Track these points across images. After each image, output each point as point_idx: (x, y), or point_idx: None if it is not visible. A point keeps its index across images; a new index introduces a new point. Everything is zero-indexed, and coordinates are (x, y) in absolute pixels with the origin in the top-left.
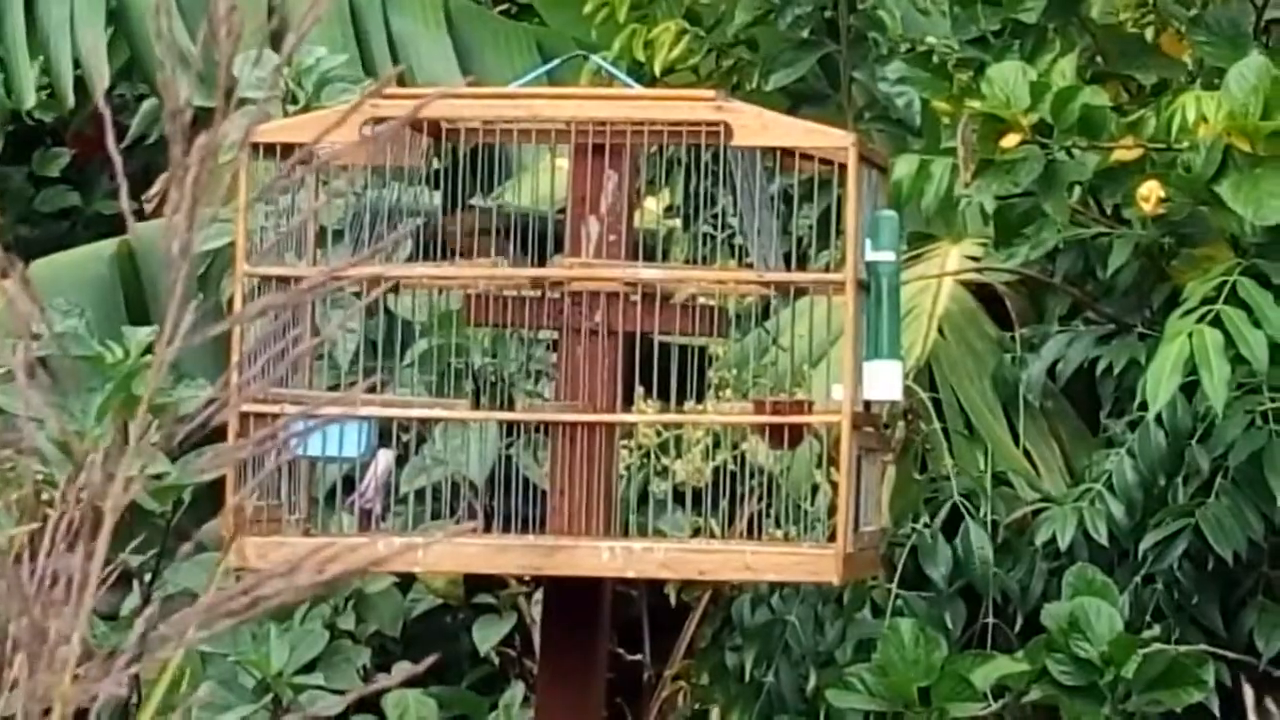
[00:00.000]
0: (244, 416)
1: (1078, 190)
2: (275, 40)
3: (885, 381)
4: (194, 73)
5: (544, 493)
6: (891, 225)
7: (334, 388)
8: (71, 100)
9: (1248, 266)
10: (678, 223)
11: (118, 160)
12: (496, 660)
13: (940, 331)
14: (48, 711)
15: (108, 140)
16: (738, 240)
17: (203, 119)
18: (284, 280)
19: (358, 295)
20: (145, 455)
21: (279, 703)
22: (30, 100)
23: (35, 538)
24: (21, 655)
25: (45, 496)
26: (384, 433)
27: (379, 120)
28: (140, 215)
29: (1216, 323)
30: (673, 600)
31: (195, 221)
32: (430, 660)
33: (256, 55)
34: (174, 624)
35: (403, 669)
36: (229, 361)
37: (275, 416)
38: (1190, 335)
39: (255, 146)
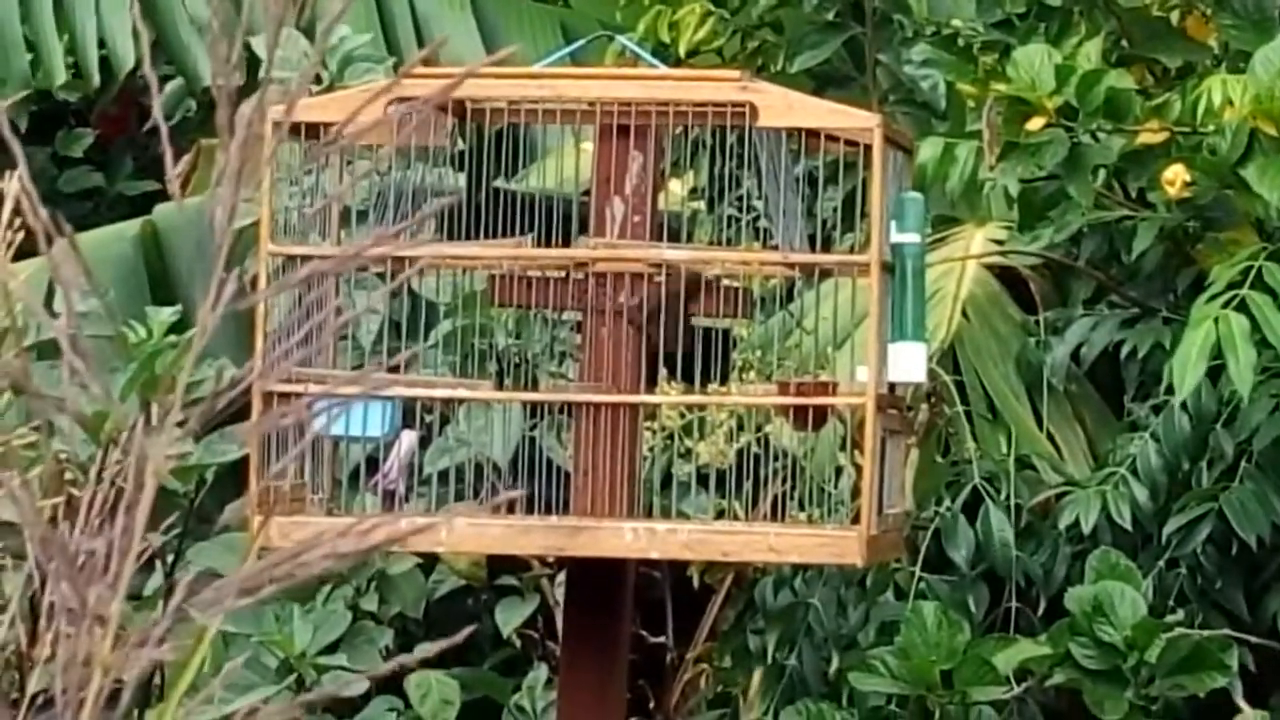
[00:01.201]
0: (267, 396)
1: (1102, 173)
2: (299, 17)
3: (909, 363)
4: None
5: (568, 474)
6: (917, 207)
7: (358, 368)
8: (97, 79)
9: (1273, 250)
10: (702, 204)
11: (164, 131)
12: (519, 642)
13: (964, 314)
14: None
15: (147, 119)
16: (762, 222)
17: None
18: (308, 260)
19: (381, 276)
20: (172, 435)
21: (302, 683)
22: (60, 79)
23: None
24: (61, 622)
25: (68, 475)
26: (408, 413)
27: (404, 100)
28: (164, 195)
29: (1242, 307)
30: (696, 582)
31: (239, 193)
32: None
33: (285, 34)
34: (207, 597)
35: (425, 650)
36: (252, 341)
37: (298, 396)
38: (1216, 320)
39: (277, 124)
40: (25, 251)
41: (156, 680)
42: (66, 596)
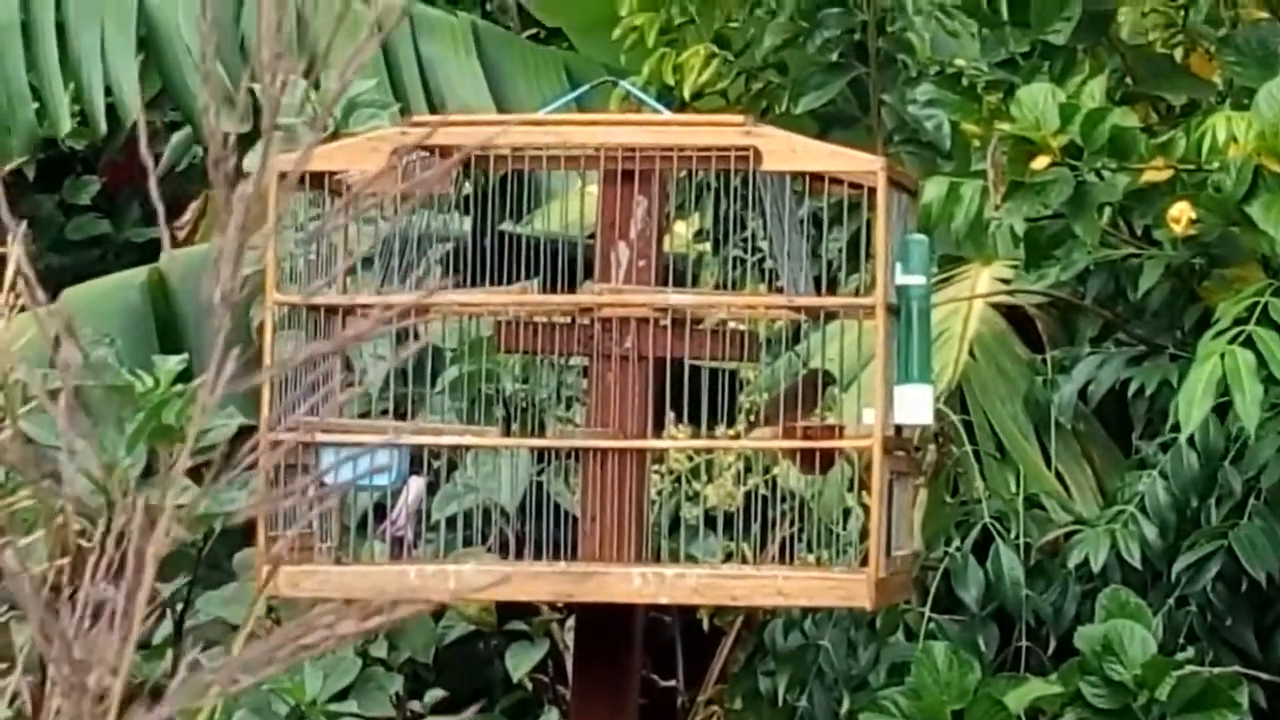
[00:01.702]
0: (274, 444)
1: (1108, 212)
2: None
3: (916, 405)
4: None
5: (575, 519)
6: (921, 249)
7: (364, 414)
8: (104, 127)
9: (1279, 287)
10: (707, 247)
11: (157, 192)
12: (530, 686)
13: (971, 354)
14: None
15: (147, 167)
16: (768, 264)
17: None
18: (314, 308)
19: (390, 324)
20: (180, 487)
21: None
22: (66, 127)
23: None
24: (61, 695)
25: (77, 527)
26: (415, 460)
27: (410, 149)
28: (172, 243)
29: (1249, 343)
30: (706, 625)
31: (239, 267)
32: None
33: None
34: (215, 670)
35: (435, 696)
36: (260, 394)
37: (306, 445)
38: (1223, 356)
39: (284, 174)
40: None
41: None
42: (66, 680)
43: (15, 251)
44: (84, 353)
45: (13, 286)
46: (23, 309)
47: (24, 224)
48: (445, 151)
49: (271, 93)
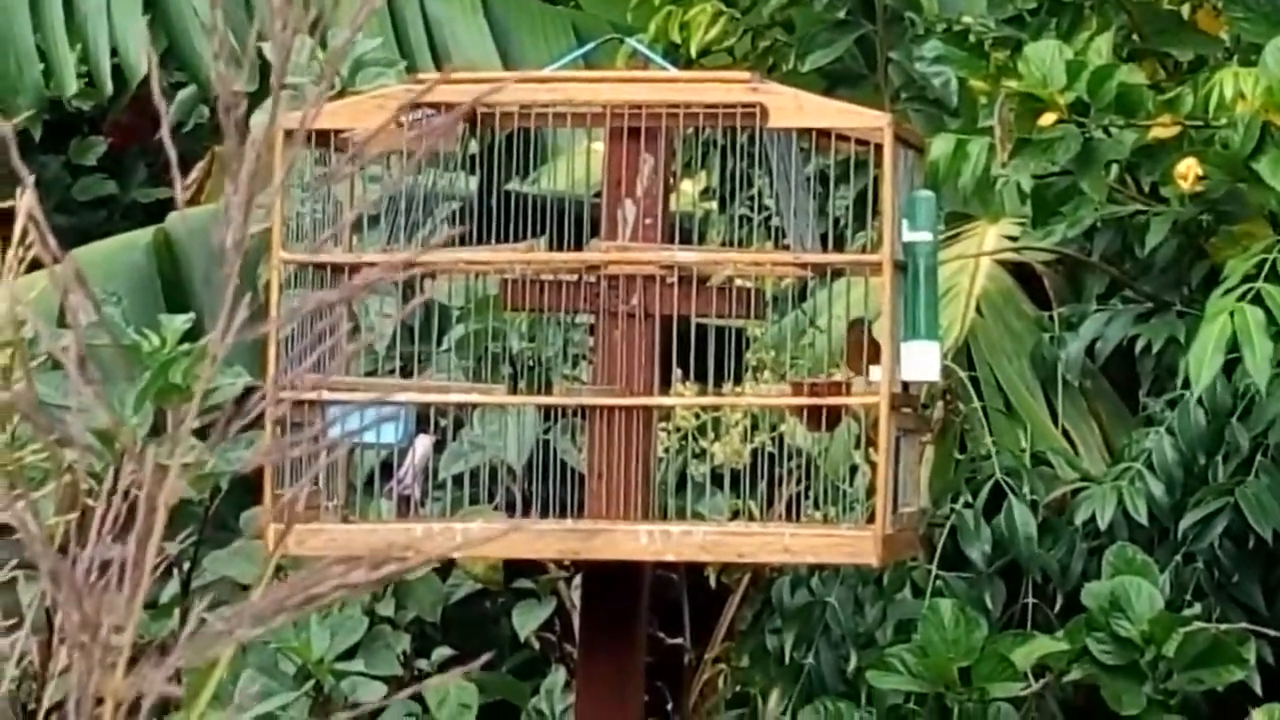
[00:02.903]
0: (280, 401)
1: (1115, 168)
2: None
3: (923, 362)
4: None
5: (582, 477)
6: (928, 206)
7: (371, 373)
8: (110, 88)
9: None
10: (714, 205)
11: (172, 148)
12: (537, 645)
13: (978, 311)
14: (99, 702)
15: (160, 120)
16: (774, 222)
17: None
18: (320, 267)
19: (395, 283)
20: (187, 445)
21: (320, 689)
22: (72, 88)
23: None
24: (71, 648)
25: (84, 486)
26: (422, 418)
27: (418, 107)
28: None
29: (1257, 300)
30: (713, 583)
31: (249, 216)
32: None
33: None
34: (225, 619)
35: (442, 654)
36: (266, 352)
37: (313, 403)
38: (1231, 313)
39: (290, 133)
40: (37, 262)
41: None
42: (76, 631)
43: (27, 203)
44: (95, 304)
45: (22, 241)
46: (32, 266)
47: (32, 179)
48: (451, 109)
49: (281, 39)
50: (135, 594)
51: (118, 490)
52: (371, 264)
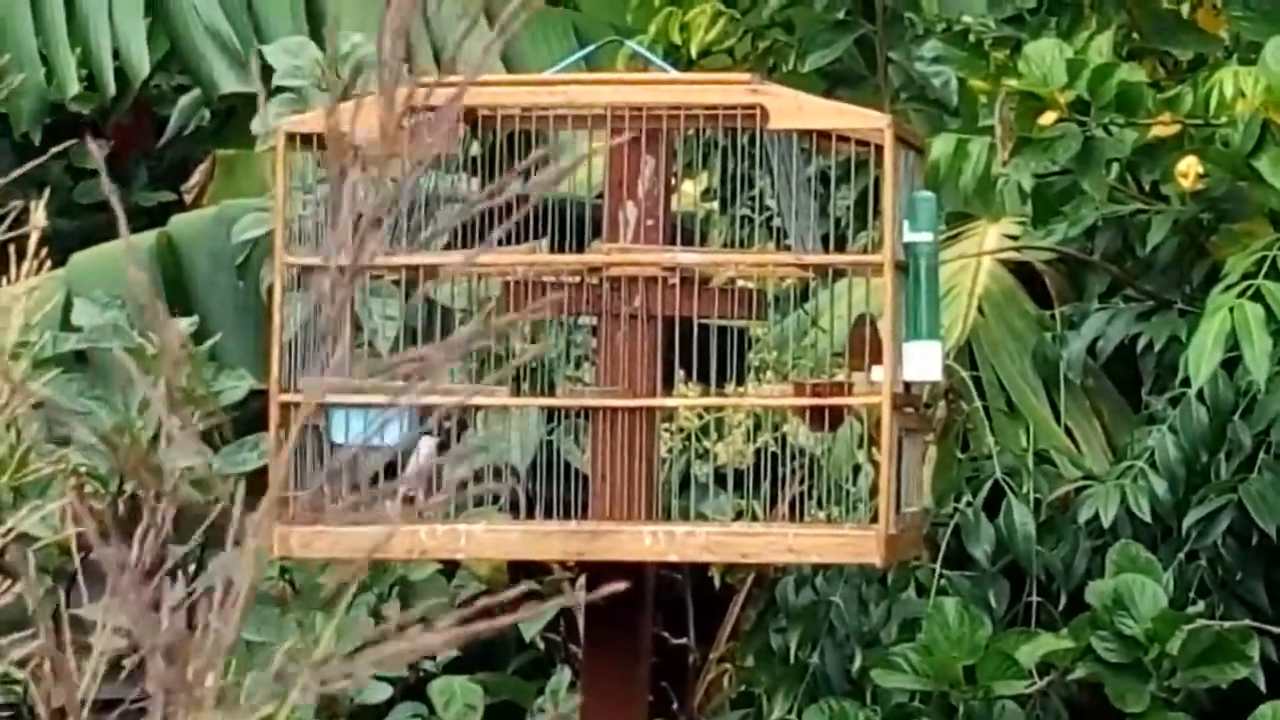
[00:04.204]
0: (284, 406)
1: (1116, 167)
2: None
3: (925, 362)
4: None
5: (586, 478)
6: (929, 206)
7: (374, 375)
8: (112, 90)
9: None
10: (715, 206)
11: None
12: (542, 645)
13: (980, 310)
14: None
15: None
16: (776, 223)
17: (241, 106)
18: (324, 270)
19: (398, 284)
20: (188, 448)
21: None
22: (73, 90)
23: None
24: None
25: (89, 489)
26: (425, 420)
27: (418, 110)
28: (179, 206)
29: (1257, 297)
30: (717, 583)
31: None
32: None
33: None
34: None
35: (448, 655)
36: (270, 350)
37: (317, 406)
38: (1231, 310)
39: (293, 136)
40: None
41: None
42: (162, 678)
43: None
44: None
45: (35, 254)
46: (38, 271)
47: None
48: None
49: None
50: (221, 640)
51: (123, 495)
52: (375, 267)
